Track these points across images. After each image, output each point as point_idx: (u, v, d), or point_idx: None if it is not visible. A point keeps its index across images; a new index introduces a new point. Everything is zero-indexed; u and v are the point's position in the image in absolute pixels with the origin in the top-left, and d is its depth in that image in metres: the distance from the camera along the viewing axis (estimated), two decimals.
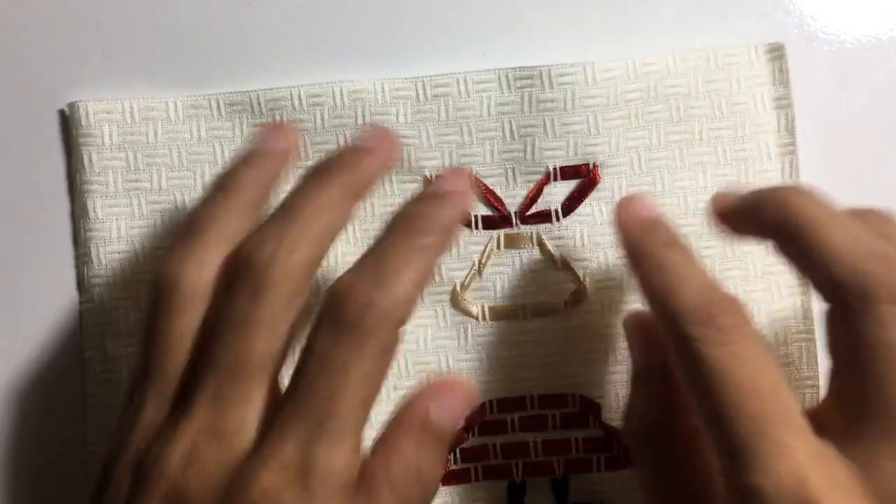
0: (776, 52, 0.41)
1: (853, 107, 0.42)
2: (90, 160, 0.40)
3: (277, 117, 0.40)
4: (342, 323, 0.30)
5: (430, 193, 0.34)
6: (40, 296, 0.41)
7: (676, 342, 0.31)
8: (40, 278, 0.41)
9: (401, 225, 0.33)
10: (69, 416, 0.41)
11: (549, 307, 0.41)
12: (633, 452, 0.36)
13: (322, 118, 0.40)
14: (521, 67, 0.40)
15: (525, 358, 0.41)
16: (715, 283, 0.32)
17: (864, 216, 0.32)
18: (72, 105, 0.41)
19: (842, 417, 0.30)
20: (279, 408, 0.30)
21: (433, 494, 0.32)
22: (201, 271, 0.32)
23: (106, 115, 0.41)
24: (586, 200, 0.41)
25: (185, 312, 0.32)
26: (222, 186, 0.34)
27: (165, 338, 0.31)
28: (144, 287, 0.40)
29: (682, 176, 0.41)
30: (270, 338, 0.31)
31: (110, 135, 0.40)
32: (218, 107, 0.41)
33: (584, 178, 0.41)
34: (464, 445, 0.41)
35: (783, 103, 0.41)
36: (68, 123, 0.41)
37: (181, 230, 0.33)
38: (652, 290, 0.32)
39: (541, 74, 0.40)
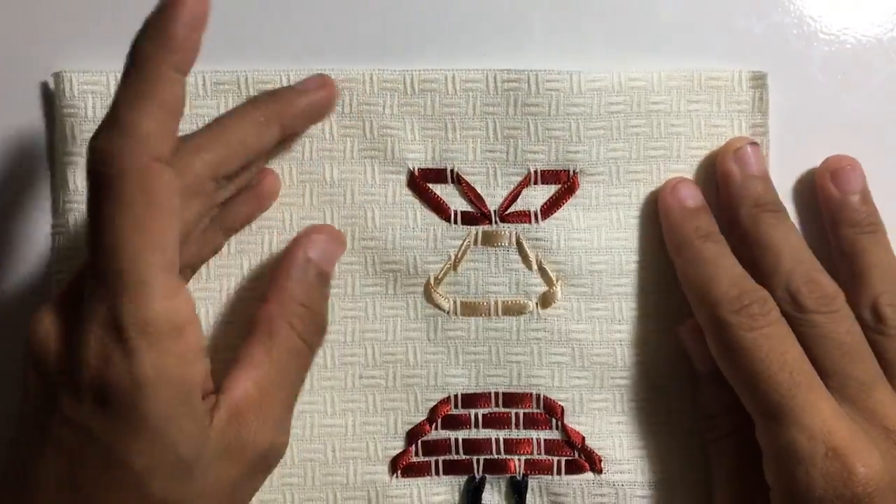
0: (758, 81, 0.42)
1: (853, 107, 0.43)
2: (72, 132, 0.40)
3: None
4: (93, 178, 0.30)
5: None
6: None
7: (714, 326, 0.37)
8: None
9: None
10: None
11: (520, 307, 0.41)
12: (712, 448, 0.40)
13: None
14: (508, 70, 0.41)
15: (493, 355, 0.41)
16: (746, 275, 0.38)
17: None
18: (56, 75, 0.40)
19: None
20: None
21: (324, 333, 0.38)
22: None
23: (90, 87, 0.40)
24: (565, 205, 0.41)
25: None
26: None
27: None
28: None
29: (658, 190, 0.41)
30: (169, 222, 0.31)
31: (93, 107, 0.40)
32: (204, 84, 0.41)
33: (563, 183, 0.41)
34: (426, 438, 0.41)
35: (759, 131, 0.42)
36: (52, 94, 0.41)
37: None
38: (691, 278, 0.38)
39: (528, 79, 0.41)
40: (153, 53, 0.30)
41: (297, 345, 0.36)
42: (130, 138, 0.30)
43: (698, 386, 0.40)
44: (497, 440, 0.41)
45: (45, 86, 0.41)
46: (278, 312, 0.36)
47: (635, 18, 0.42)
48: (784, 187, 0.42)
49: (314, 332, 0.37)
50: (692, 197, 0.40)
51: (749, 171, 0.40)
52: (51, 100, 0.41)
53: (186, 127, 0.40)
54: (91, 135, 0.38)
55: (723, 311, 0.36)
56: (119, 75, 0.39)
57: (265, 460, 0.35)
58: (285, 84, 0.40)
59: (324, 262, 0.38)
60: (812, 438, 0.34)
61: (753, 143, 0.40)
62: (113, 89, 0.40)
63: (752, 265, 0.38)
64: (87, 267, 0.31)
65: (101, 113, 0.40)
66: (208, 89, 0.41)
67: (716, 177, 0.41)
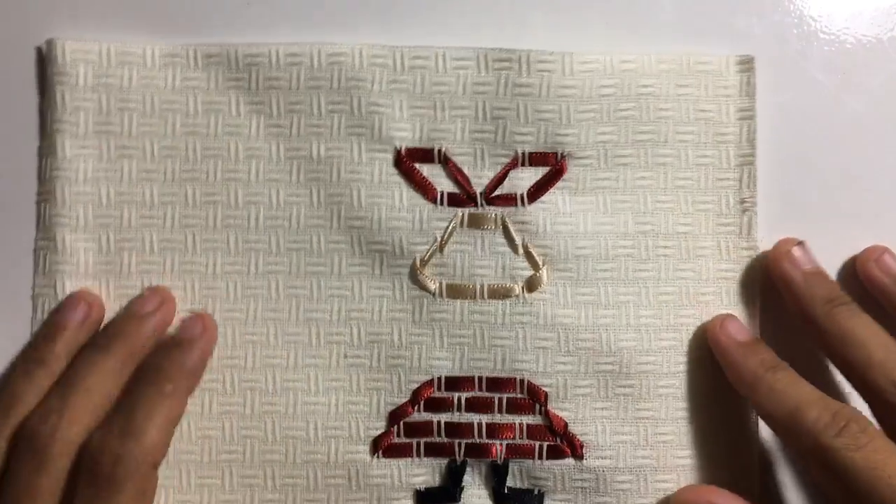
0: (745, 65, 0.42)
1: (853, 107, 0.43)
2: (62, 99, 0.40)
3: (253, 74, 0.41)
4: (98, 476, 0.35)
5: (173, 341, 0.39)
6: None
7: (819, 455, 0.36)
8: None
9: (146, 376, 0.38)
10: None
11: (505, 291, 0.41)
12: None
13: (298, 78, 0.41)
14: (500, 49, 0.41)
15: (477, 338, 0.41)
16: (827, 397, 0.37)
17: None
18: (49, 42, 0.41)
19: None
20: None
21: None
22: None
23: (82, 55, 0.40)
24: (552, 189, 0.41)
25: None
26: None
27: None
28: (106, 231, 0.41)
29: (645, 175, 0.41)
30: None
31: (85, 75, 0.40)
32: (195, 57, 0.41)
33: (551, 166, 0.41)
34: (408, 419, 0.41)
35: (746, 115, 0.42)
36: (44, 60, 0.41)
37: None
38: (775, 412, 0.38)
39: (519, 59, 0.40)
40: (177, 377, 0.38)
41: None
42: (140, 445, 0.35)
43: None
44: (479, 424, 0.41)
45: (39, 51, 0.41)
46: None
47: (635, 19, 0.43)
48: (784, 188, 0.42)
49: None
50: (743, 331, 0.40)
51: (809, 271, 0.40)
52: (44, 66, 0.41)
53: (178, 98, 0.41)
54: (81, 102, 0.39)
55: (824, 438, 0.36)
56: (111, 45, 0.40)
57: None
58: (274, 57, 0.40)
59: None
60: None
61: (800, 243, 0.41)
62: (104, 59, 0.40)
63: (838, 358, 0.39)
64: None
65: (91, 81, 0.40)
66: (199, 62, 0.41)
67: (773, 280, 0.41)
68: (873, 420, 0.37)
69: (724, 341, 0.40)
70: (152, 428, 0.36)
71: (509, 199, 0.41)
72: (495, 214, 0.41)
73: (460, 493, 0.41)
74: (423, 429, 0.41)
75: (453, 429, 0.41)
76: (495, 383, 0.41)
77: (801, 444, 0.37)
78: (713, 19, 0.43)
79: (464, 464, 0.41)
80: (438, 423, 0.41)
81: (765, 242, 0.42)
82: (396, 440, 0.41)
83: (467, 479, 0.41)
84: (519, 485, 0.41)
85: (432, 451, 0.41)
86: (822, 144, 0.42)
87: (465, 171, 0.41)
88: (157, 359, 0.38)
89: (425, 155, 0.41)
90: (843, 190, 0.42)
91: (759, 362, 0.39)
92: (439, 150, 0.41)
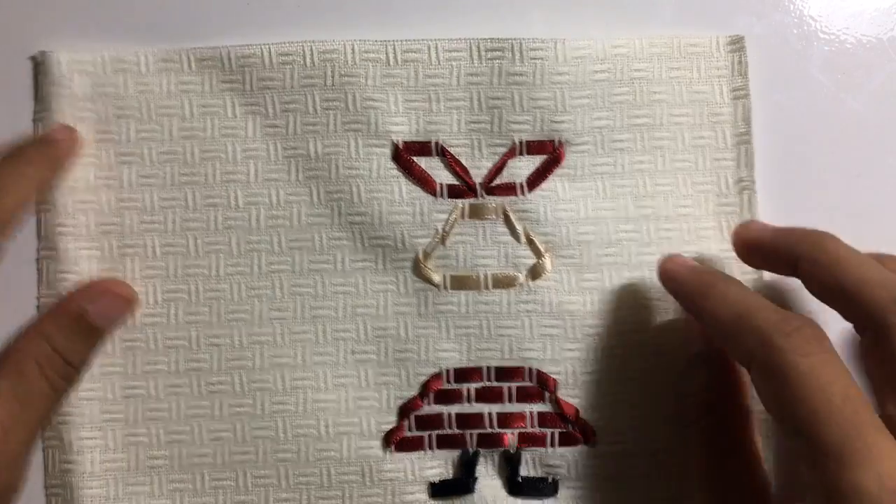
0: (736, 45, 0.42)
1: (853, 107, 0.43)
2: (62, 111, 0.41)
3: (247, 75, 0.41)
4: None
5: (39, 137, 0.40)
6: None
7: (763, 354, 0.32)
8: None
9: (10, 158, 0.39)
10: None
11: (509, 279, 0.41)
12: (688, 431, 0.39)
13: (292, 77, 0.41)
14: (492, 39, 0.41)
15: (484, 329, 0.41)
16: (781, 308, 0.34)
17: (884, 260, 0.36)
18: (43, 54, 0.41)
19: None
20: None
21: (76, 382, 0.38)
22: None
23: (78, 65, 0.41)
24: (551, 176, 0.41)
25: None
26: None
27: None
28: (108, 238, 0.41)
29: (642, 159, 0.41)
30: None
31: (82, 85, 0.41)
32: (189, 61, 0.41)
33: (548, 154, 0.41)
34: (419, 413, 0.41)
35: (740, 94, 0.42)
36: (37, 72, 0.41)
37: None
38: (725, 316, 0.35)
39: (512, 47, 0.41)
40: (39, 164, 0.39)
41: (42, 387, 0.36)
42: None
43: (688, 368, 0.40)
44: (490, 414, 0.41)
45: (33, 61, 0.41)
46: (31, 351, 0.37)
47: (634, 18, 0.43)
48: (784, 187, 0.42)
49: (62, 378, 0.37)
50: (689, 260, 0.40)
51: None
52: (38, 76, 0.41)
53: (174, 103, 0.41)
54: (81, 113, 0.40)
55: (773, 334, 0.32)
56: (106, 54, 0.40)
57: (1, 499, 0.36)
58: (267, 58, 0.41)
59: (99, 317, 0.38)
60: (881, 483, 0.30)
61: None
62: (100, 68, 0.41)
63: (828, 286, 0.35)
64: None
65: (90, 91, 0.41)
66: (193, 66, 0.41)
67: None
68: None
69: (670, 267, 0.39)
70: (6, 196, 0.37)
71: (509, 189, 0.41)
72: (496, 204, 0.41)
73: (474, 483, 0.41)
74: (434, 421, 0.41)
75: (464, 420, 0.41)
76: (504, 373, 0.41)
77: (746, 344, 0.33)
78: (713, 19, 0.43)
79: (476, 454, 0.41)
80: (449, 415, 0.41)
81: None
82: (408, 434, 0.41)
83: (480, 469, 0.41)
84: (533, 473, 0.41)
85: (444, 443, 0.41)
86: (822, 144, 0.42)
87: (464, 162, 0.41)
88: (22, 146, 0.39)
89: (423, 148, 0.41)
90: (842, 190, 0.42)
91: (713, 274, 0.37)
92: (436, 143, 0.41)
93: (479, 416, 0.41)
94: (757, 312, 0.34)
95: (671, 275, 0.39)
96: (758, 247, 0.39)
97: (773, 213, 0.42)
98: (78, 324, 0.38)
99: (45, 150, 0.40)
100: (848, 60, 0.43)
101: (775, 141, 0.42)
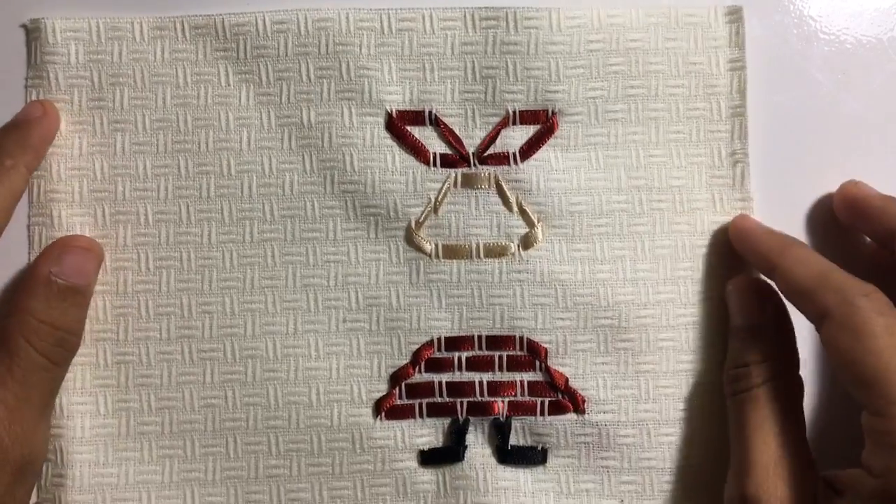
0: (734, 15, 0.42)
1: (853, 107, 0.43)
2: (56, 78, 0.41)
3: (240, 43, 0.41)
4: None
5: (13, 123, 0.40)
6: None
7: (843, 309, 0.35)
8: None
9: None
10: None
11: (501, 249, 0.41)
12: (736, 400, 0.39)
13: (286, 45, 0.41)
14: (487, 7, 0.41)
15: (475, 298, 0.41)
16: None
17: None
18: (36, 21, 0.41)
19: None
20: None
21: (75, 344, 0.39)
22: None
23: (73, 32, 0.41)
24: (544, 146, 0.41)
25: None
26: None
27: None
28: (101, 205, 0.41)
29: (636, 130, 0.42)
30: None
31: (76, 53, 0.41)
32: (183, 29, 0.41)
33: (542, 124, 0.41)
34: (410, 381, 0.41)
35: (737, 66, 0.42)
36: (30, 39, 0.41)
37: None
38: (803, 274, 0.37)
39: (506, 16, 0.41)
40: (18, 154, 0.39)
41: (38, 361, 0.37)
42: None
43: (733, 338, 0.40)
44: (481, 383, 0.41)
45: (24, 29, 0.41)
46: (16, 329, 0.37)
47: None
48: (784, 189, 0.42)
49: (57, 347, 0.37)
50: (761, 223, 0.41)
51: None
52: (30, 44, 0.41)
53: (168, 71, 0.41)
54: (75, 80, 0.39)
55: (853, 294, 0.35)
56: (100, 21, 0.40)
57: (23, 472, 0.36)
58: (261, 26, 0.41)
59: (71, 275, 0.38)
60: None
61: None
62: (94, 36, 0.40)
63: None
64: None
65: (84, 58, 0.41)
66: (187, 34, 0.41)
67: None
68: None
69: (749, 224, 0.41)
70: None
71: (502, 158, 0.41)
72: (488, 174, 0.41)
73: (464, 451, 0.41)
74: (424, 389, 0.41)
75: (455, 388, 0.41)
76: (495, 341, 0.41)
77: (825, 300, 0.36)
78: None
79: (466, 422, 0.41)
80: (440, 383, 0.41)
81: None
82: (399, 402, 0.41)
83: (470, 437, 0.41)
84: (522, 442, 0.41)
85: (435, 411, 0.41)
86: (822, 144, 0.42)
87: (457, 131, 0.41)
88: None
89: (416, 117, 0.41)
90: None
91: (788, 236, 0.40)
92: (430, 112, 0.41)
93: (470, 384, 0.41)
94: (836, 273, 0.37)
95: (746, 233, 0.40)
96: (865, 206, 0.40)
97: (773, 213, 0.42)
98: (50, 288, 0.37)
99: (21, 138, 0.39)
100: (848, 60, 0.43)
101: (775, 141, 0.42)
